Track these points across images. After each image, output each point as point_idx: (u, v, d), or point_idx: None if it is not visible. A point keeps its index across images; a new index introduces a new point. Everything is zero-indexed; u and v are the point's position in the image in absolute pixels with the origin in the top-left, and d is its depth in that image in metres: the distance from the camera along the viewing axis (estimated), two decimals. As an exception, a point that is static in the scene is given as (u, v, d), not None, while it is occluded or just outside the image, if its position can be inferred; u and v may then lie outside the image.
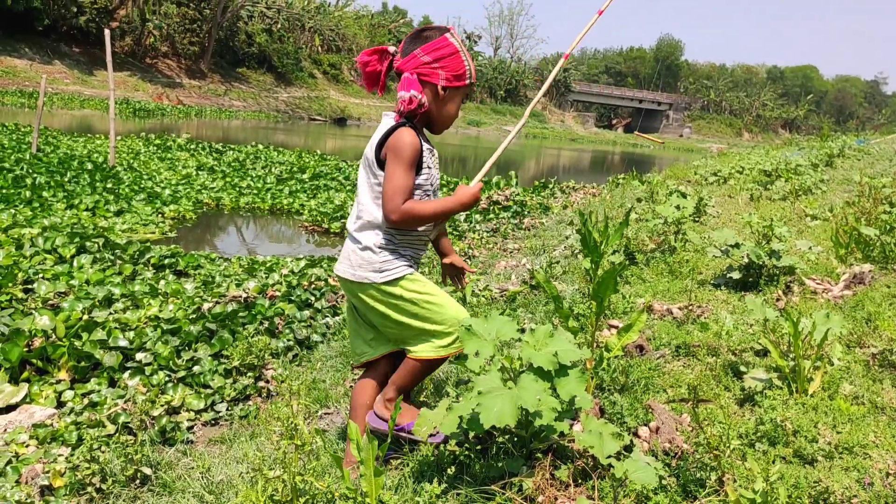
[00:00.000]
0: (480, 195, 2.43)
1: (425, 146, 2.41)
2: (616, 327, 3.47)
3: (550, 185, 15.39)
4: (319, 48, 60.78)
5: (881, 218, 4.50)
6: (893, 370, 2.65)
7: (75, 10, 42.06)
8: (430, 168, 2.43)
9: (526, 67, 79.06)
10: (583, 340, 3.21)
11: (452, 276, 2.76)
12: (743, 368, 2.78)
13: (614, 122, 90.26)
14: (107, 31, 12.36)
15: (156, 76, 46.07)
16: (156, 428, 3.35)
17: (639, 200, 9.47)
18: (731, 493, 1.39)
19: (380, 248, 2.39)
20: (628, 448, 2.10)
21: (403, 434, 2.44)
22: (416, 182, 2.37)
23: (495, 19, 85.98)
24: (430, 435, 2.27)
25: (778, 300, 3.80)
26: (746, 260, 4.26)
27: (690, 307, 3.79)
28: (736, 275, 4.31)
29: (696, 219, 7.02)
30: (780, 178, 9.64)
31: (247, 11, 53.81)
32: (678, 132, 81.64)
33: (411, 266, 2.44)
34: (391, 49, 2.44)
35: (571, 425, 2.30)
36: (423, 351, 2.39)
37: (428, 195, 2.44)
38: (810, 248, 4.41)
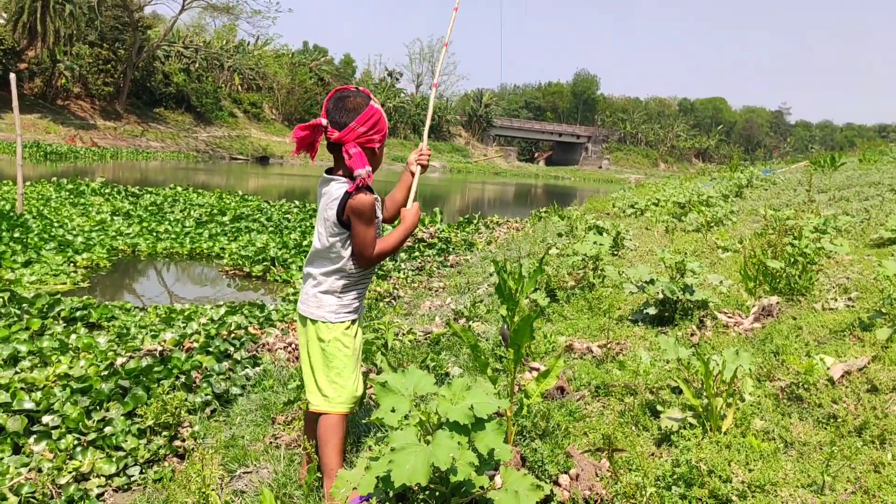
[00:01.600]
0: (420, 212, 2.89)
1: (377, 197, 2.75)
2: (537, 370, 3.48)
3: (475, 221, 15.54)
4: (239, 87, 60.17)
5: (786, 250, 4.69)
6: (801, 403, 2.74)
7: (-20, 51, 40.56)
8: (378, 217, 2.78)
9: (448, 103, 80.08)
10: (505, 384, 3.22)
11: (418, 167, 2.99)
12: (660, 408, 2.83)
13: (536, 155, 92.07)
14: (12, 76, 11.93)
15: (68, 118, 44.65)
16: (62, 498, 3.17)
17: (559, 235, 9.64)
18: None
19: (340, 292, 2.73)
20: (548, 499, 2.09)
21: None
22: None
23: (416, 56, 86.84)
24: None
25: (692, 335, 3.90)
26: (661, 295, 4.37)
27: (609, 345, 3.85)
28: (652, 310, 4.40)
29: (615, 252, 7.18)
30: (692, 210, 9.97)
31: (163, 51, 52.93)
32: (597, 164, 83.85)
33: (356, 314, 2.80)
34: (324, 122, 2.68)
35: (492, 476, 2.28)
36: (319, 404, 2.71)
37: (380, 233, 2.82)
38: (721, 281, 4.56)
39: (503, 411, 2.38)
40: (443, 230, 13.20)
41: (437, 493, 2.19)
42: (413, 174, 2.97)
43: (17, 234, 10.10)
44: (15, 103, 12.04)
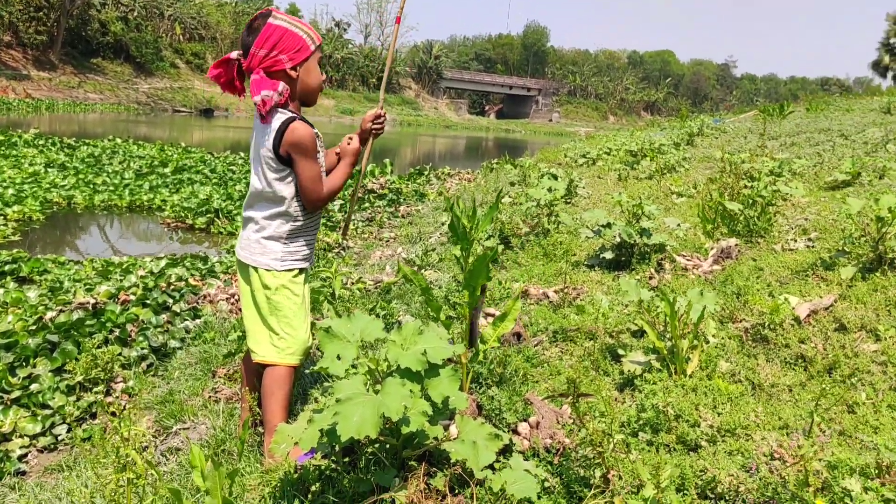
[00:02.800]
0: (383, 118, 2.68)
1: (316, 130, 2.49)
2: (492, 315, 3.33)
3: (426, 173, 15.28)
4: (181, 37, 58.06)
5: (743, 193, 4.60)
6: (766, 344, 2.64)
7: None
8: (320, 148, 2.52)
9: (398, 55, 78.69)
10: (459, 331, 3.06)
11: (372, 133, 2.73)
12: (621, 351, 2.70)
13: (487, 108, 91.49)
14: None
15: (0, 69, 42.58)
16: (-20, 461, 2.92)
17: (512, 184, 9.48)
18: (617, 502, 1.25)
19: (286, 238, 2.51)
20: (507, 449, 1.95)
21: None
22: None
23: (364, 6, 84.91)
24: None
25: (651, 278, 3.78)
26: (618, 239, 4.25)
27: (566, 290, 3.71)
28: (609, 255, 4.28)
29: (568, 200, 7.05)
30: (645, 158, 9.90)
31: (99, -1, 50.64)
32: (547, 117, 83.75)
33: (306, 262, 2.59)
34: (234, 55, 2.48)
35: (447, 426, 2.12)
36: (266, 355, 2.50)
37: (324, 173, 2.54)
38: (679, 224, 4.45)
39: (458, 357, 2.21)
40: (393, 181, 12.93)
41: (388, 446, 2.02)
42: (364, 140, 2.71)
43: (-60, 187, 9.53)
44: (-66, 47, 11.28)
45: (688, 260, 3.96)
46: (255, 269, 2.51)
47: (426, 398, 1.90)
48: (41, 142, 15.78)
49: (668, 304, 2.37)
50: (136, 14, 52.92)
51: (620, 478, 1.79)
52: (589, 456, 1.88)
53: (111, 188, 11.12)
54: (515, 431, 2.14)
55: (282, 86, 2.40)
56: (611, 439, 1.79)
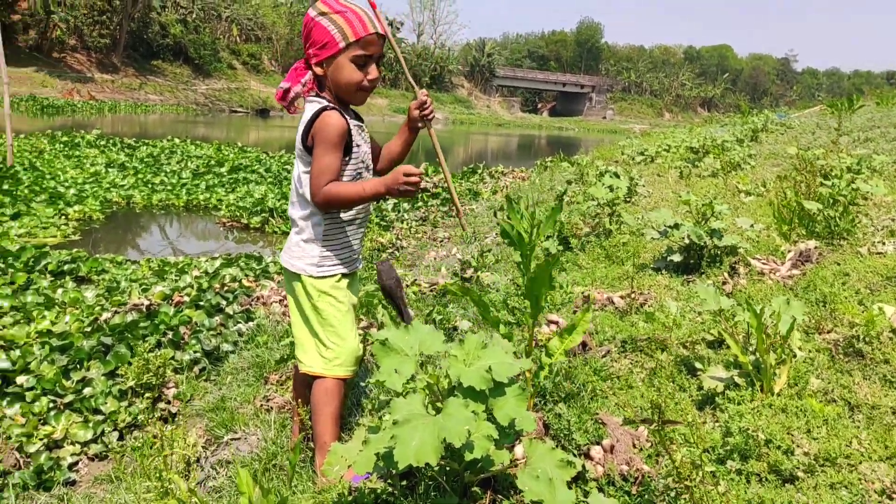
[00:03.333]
0: (418, 181, 2.21)
1: (353, 123, 2.30)
2: (555, 322, 3.15)
3: (479, 171, 15.12)
4: (238, 38, 59.03)
5: (819, 191, 4.32)
6: (861, 359, 2.40)
7: (-29, 2, 39.65)
8: (359, 146, 2.33)
9: (450, 53, 78.65)
10: (519, 338, 2.89)
11: (422, 122, 2.49)
12: (698, 365, 2.49)
13: (539, 106, 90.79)
14: (-3, 21, 11.41)
15: (65, 71, 43.83)
16: (31, 468, 2.87)
17: (569, 182, 9.24)
18: None
19: (324, 241, 2.33)
20: (580, 476, 1.77)
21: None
22: (349, 160, 2.29)
23: (416, 5, 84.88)
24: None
25: (724, 283, 3.55)
26: (687, 241, 4.01)
27: (632, 295, 3.50)
28: (677, 257, 4.05)
29: (628, 199, 6.80)
30: (707, 155, 9.55)
31: (159, 2, 51.73)
32: (601, 114, 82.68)
33: (348, 267, 2.41)
34: None
35: (512, 447, 1.96)
36: (313, 365, 2.35)
37: (359, 173, 2.35)
38: (752, 225, 4.19)
39: (523, 373, 2.04)
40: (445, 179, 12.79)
41: (448, 470, 1.87)
42: (414, 130, 2.52)
43: (6, 187, 9.73)
44: None
45: (763, 263, 3.71)
46: (297, 274, 2.36)
47: (490, 419, 1.74)
48: (102, 142, 16.11)
49: (754, 314, 2.15)
50: (194, 16, 54.03)
51: (710, 513, 1.60)
52: (672, 486, 1.70)
53: (169, 188, 11.25)
54: (587, 455, 1.96)
55: (307, 76, 2.30)
56: (700, 471, 1.61)
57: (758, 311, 2.15)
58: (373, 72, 2.28)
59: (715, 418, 2.16)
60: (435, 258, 6.34)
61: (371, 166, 2.44)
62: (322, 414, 2.32)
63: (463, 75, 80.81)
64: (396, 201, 10.76)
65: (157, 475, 1.57)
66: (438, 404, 1.76)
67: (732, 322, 2.65)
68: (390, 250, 7.42)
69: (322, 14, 2.21)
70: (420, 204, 10.82)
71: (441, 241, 7.77)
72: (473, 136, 45.41)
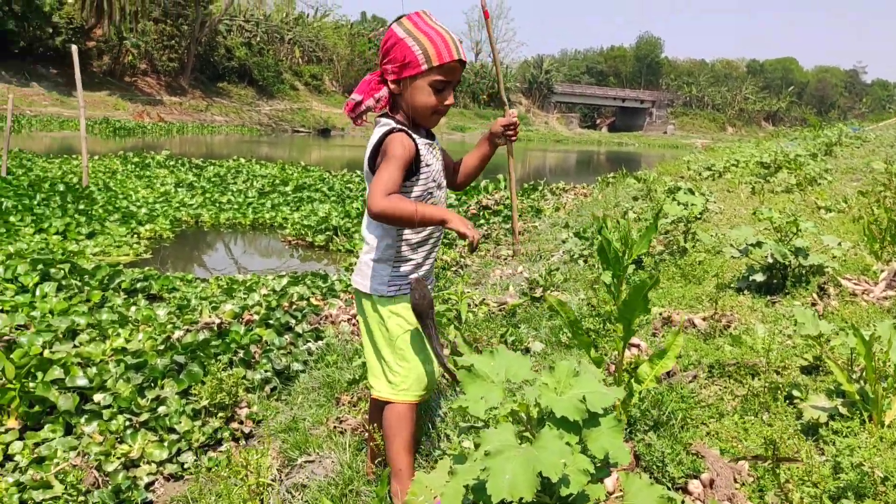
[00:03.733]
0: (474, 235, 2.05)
1: (422, 142, 2.24)
2: (636, 346, 3.03)
3: (540, 188, 14.99)
4: (300, 60, 60.28)
5: (912, 207, 4.10)
6: (978, 389, 2.22)
7: (51, 30, 41.39)
8: (429, 164, 2.26)
9: (508, 71, 78.77)
10: (603, 360, 2.78)
11: (504, 140, 2.51)
12: (796, 393, 2.35)
13: (598, 121, 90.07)
14: (74, 47, 11.87)
15: (136, 94, 45.43)
16: (109, 487, 2.88)
17: (635, 199, 9.06)
18: None
19: (395, 261, 2.28)
20: (680, 513, 1.67)
21: None
22: (417, 179, 2.23)
23: (475, 24, 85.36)
24: None
25: (814, 304, 3.38)
26: (770, 260, 3.84)
27: (715, 316, 3.36)
28: (759, 277, 3.88)
29: (699, 216, 6.60)
30: (780, 170, 9.25)
31: (225, 26, 53.27)
32: (662, 129, 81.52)
33: None
34: None
35: (602, 480, 1.86)
36: (382, 390, 2.30)
37: (430, 191, 2.27)
38: (839, 243, 3.99)
39: (620, 413, 1.94)
40: (508, 197, 12.71)
41: None
42: (493, 146, 2.50)
43: (82, 206, 10.06)
44: (77, 75, 12.00)
45: (855, 284, 3.53)
46: (368, 294, 2.31)
47: (583, 451, 1.65)
48: (171, 163, 16.55)
49: (862, 339, 2.01)
50: (258, 39, 55.38)
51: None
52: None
53: (235, 206, 11.46)
54: (685, 490, 1.85)
55: (381, 92, 2.25)
56: (816, 512, 1.49)
57: (867, 339, 2.00)
58: (449, 98, 2.22)
59: (820, 450, 2.02)
60: (501, 276, 6.25)
61: (443, 183, 2.37)
62: (395, 441, 2.25)
63: (521, 92, 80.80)
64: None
65: (244, 503, 1.52)
66: (527, 434, 1.68)
67: (830, 347, 2.50)
68: (454, 268, 7.37)
69: (407, 32, 2.15)
70: (482, 222, 10.76)
71: (505, 259, 7.67)
72: (531, 153, 45.23)
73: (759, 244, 3.92)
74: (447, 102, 2.23)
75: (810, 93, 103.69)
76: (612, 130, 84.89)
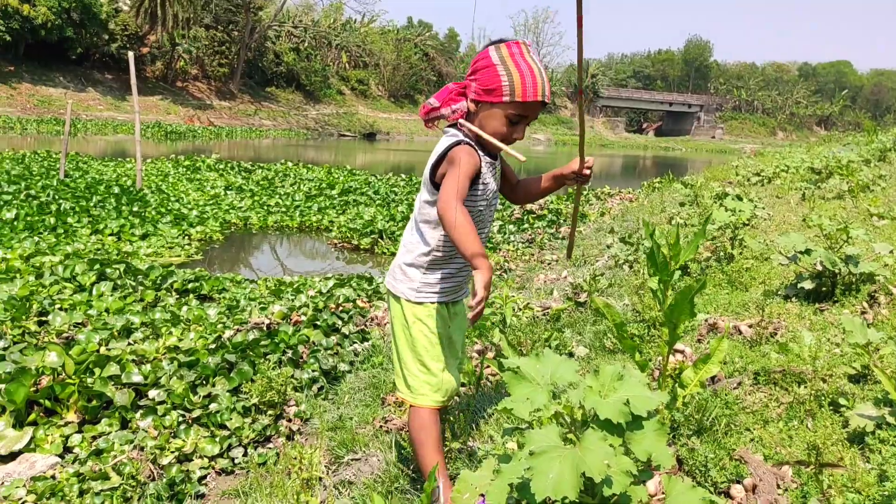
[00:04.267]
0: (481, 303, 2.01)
1: (485, 160, 2.30)
2: (680, 352, 3.03)
3: (585, 192, 14.93)
4: (347, 65, 60.96)
5: (967, 215, 4.01)
6: None
7: (107, 37, 42.65)
8: (486, 183, 2.32)
9: (553, 74, 78.46)
10: (647, 365, 2.79)
11: (576, 182, 2.50)
12: (842, 401, 2.33)
13: (644, 126, 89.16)
14: (130, 53, 12.22)
15: (187, 99, 46.50)
16: (164, 480, 2.99)
17: (682, 205, 8.98)
18: None
19: (427, 268, 2.33)
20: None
21: None
22: (473, 194, 2.28)
23: (521, 28, 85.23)
24: None
25: (863, 313, 3.34)
26: (820, 267, 3.80)
27: (761, 323, 3.34)
28: (808, 284, 3.84)
29: (747, 223, 6.53)
30: (832, 176, 9.08)
31: (274, 32, 54.18)
32: (710, 134, 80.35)
33: (448, 297, 2.37)
34: None
35: (644, 482, 1.88)
36: (402, 392, 2.38)
37: (479, 209, 2.32)
38: (891, 251, 3.93)
39: (664, 417, 1.96)
40: (552, 202, 12.70)
41: None
42: (560, 184, 2.54)
43: (136, 208, 10.35)
44: (133, 80, 12.36)
45: (907, 293, 3.47)
46: (397, 297, 2.37)
47: (627, 453, 1.67)
48: (221, 166, 16.90)
49: (910, 349, 2.00)
50: (306, 44, 56.18)
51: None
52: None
53: (283, 209, 11.66)
54: (727, 495, 1.86)
55: (459, 105, 2.29)
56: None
57: (915, 346, 1.99)
58: (520, 132, 2.28)
59: (866, 458, 2.02)
60: (545, 281, 6.27)
61: (494, 203, 2.41)
62: (422, 445, 2.30)
63: (566, 96, 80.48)
64: (502, 222, 10.75)
65: (295, 497, 1.59)
66: (571, 436, 1.71)
67: (879, 356, 2.48)
68: (499, 272, 7.40)
69: (501, 60, 2.19)
70: (526, 226, 10.78)
71: (549, 264, 7.68)
72: (576, 159, 44.91)
73: (808, 251, 3.88)
74: (516, 136, 2.27)
75: (865, 97, 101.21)
76: (659, 135, 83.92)
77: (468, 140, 2.25)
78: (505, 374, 1.81)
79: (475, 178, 2.25)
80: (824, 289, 3.84)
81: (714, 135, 79.91)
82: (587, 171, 2.45)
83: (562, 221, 11.23)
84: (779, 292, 4.02)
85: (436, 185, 2.26)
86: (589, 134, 71.59)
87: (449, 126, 2.34)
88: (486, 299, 1.98)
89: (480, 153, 2.26)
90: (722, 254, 4.98)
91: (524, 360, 1.81)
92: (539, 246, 9.27)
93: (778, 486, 1.84)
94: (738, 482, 1.89)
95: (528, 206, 11.99)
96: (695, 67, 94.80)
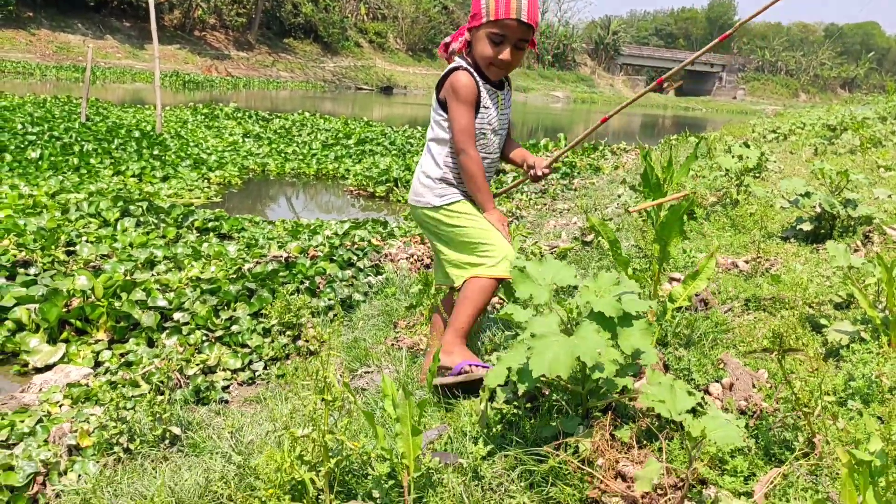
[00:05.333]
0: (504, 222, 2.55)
1: (484, 86, 2.50)
2: (677, 280, 3.20)
3: (600, 147, 14.97)
4: (365, 17, 60.32)
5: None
6: None
7: (124, -16, 42.44)
8: (487, 108, 2.52)
9: (574, 31, 77.36)
10: (642, 279, 2.95)
11: (534, 178, 2.70)
12: (823, 321, 2.50)
13: (665, 85, 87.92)
14: (151, 1, 12.28)
15: (205, 49, 46.33)
16: (190, 387, 3.22)
17: (696, 157, 9.05)
18: (842, 455, 1.14)
19: (439, 178, 2.56)
20: (699, 407, 1.86)
21: (449, 380, 2.30)
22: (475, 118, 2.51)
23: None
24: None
25: (857, 250, 3.48)
26: (818, 210, 3.93)
27: (758, 259, 3.49)
28: (806, 226, 3.98)
29: (757, 175, 6.62)
30: (846, 132, 9.11)
31: (292, -19, 53.58)
32: (731, 94, 79.28)
33: (465, 195, 2.57)
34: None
35: (635, 377, 2.06)
36: (475, 272, 2.45)
37: (483, 133, 2.54)
38: (889, 196, 4.05)
39: (650, 320, 2.13)
40: (568, 155, 12.76)
41: (571, 395, 1.99)
42: (521, 167, 2.76)
43: (156, 152, 10.53)
44: (153, 27, 12.44)
45: (900, 233, 3.60)
46: (428, 208, 2.57)
47: (615, 347, 1.85)
48: (239, 115, 17.01)
49: (885, 268, 2.15)
50: (324, -5, 55.58)
51: (828, 443, 1.66)
52: (790, 421, 1.76)
53: (300, 157, 11.80)
54: (707, 392, 2.04)
55: (465, 36, 2.54)
56: (819, 401, 1.66)
57: (889, 265, 2.14)
58: (504, 53, 2.44)
59: (839, 368, 2.19)
60: (555, 226, 6.42)
61: (500, 130, 2.63)
62: (466, 304, 2.41)
63: (586, 53, 79.42)
64: (516, 174, 10.87)
65: (315, 373, 1.78)
66: (568, 330, 1.89)
67: (864, 285, 2.63)
68: (511, 220, 7.55)
69: None
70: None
71: (560, 212, 7.82)
72: (594, 116, 44.65)
73: (808, 195, 4.01)
74: (501, 56, 2.44)
75: (892, 59, 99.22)
76: (680, 94, 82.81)
77: (466, 66, 2.48)
78: (511, 271, 1.97)
79: (477, 104, 2.49)
80: (822, 231, 3.97)
81: (735, 95, 78.85)
82: (541, 174, 2.64)
83: (576, 174, 11.31)
84: (779, 234, 4.16)
85: (441, 103, 2.53)
86: (608, 92, 70.86)
87: (458, 56, 2.57)
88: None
89: (478, 79, 2.48)
90: (728, 200, 5.10)
91: (529, 262, 1.98)
92: (552, 196, 9.39)
93: (753, 385, 2.01)
94: (718, 382, 2.06)
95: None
96: (718, 26, 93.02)
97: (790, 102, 69.93)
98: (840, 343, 2.29)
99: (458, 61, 2.53)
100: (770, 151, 7.94)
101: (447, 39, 2.61)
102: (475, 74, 2.48)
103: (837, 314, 2.64)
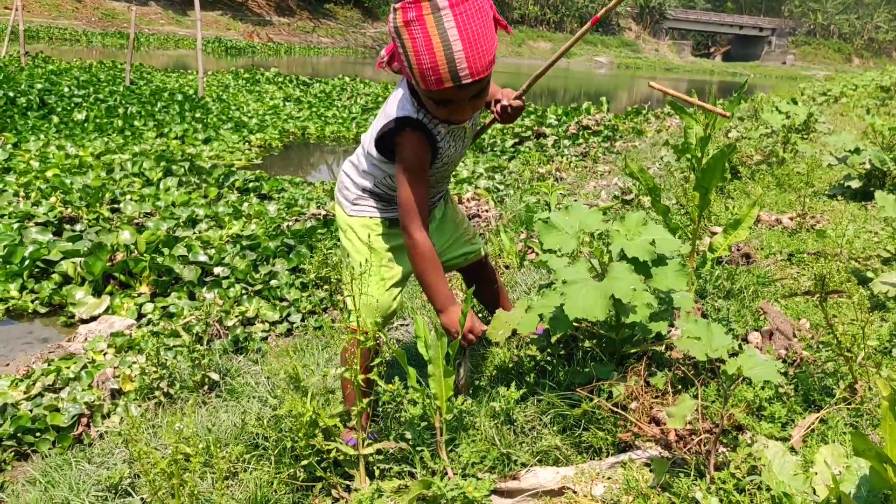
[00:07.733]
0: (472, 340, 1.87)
1: (442, 131, 1.88)
2: (715, 233, 3.13)
3: (644, 112, 14.70)
4: (406, -19, 59.73)
5: None
6: None
7: (167, -50, 42.65)
8: (443, 150, 1.93)
9: (618, -5, 75.56)
10: (679, 230, 2.90)
11: (503, 115, 2.02)
12: (870, 275, 2.42)
13: (712, 50, 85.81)
14: (192, -38, 12.31)
15: (246, 15, 46.47)
16: (229, 338, 3.26)
17: (741, 119, 8.84)
18: (883, 387, 1.08)
19: (364, 189, 2.03)
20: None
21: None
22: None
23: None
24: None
25: (907, 207, 3.36)
26: (868, 166, 3.81)
27: (803, 216, 3.40)
28: (855, 183, 3.86)
29: (805, 136, 6.43)
30: (901, 93, 8.80)
31: (333, -55, 53.26)
32: (781, 59, 76.94)
33: (383, 213, 2.04)
34: None
35: (669, 330, 2.03)
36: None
37: (437, 170, 1.97)
38: (945, 152, 3.90)
39: (684, 260, 2.09)
40: (609, 119, 12.55)
41: (605, 343, 1.97)
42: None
43: (198, 115, 10.64)
44: (194, -11, 12.48)
45: (955, 190, 3.47)
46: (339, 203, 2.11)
47: (649, 291, 1.81)
48: (280, 79, 17.06)
49: (936, 218, 2.07)
50: (365, -40, 55.16)
51: (870, 389, 1.61)
52: (830, 368, 1.71)
53: (340, 121, 11.81)
54: (745, 340, 2.00)
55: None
56: (862, 347, 1.61)
57: (940, 213, 2.06)
58: (458, 113, 1.80)
59: (884, 320, 2.12)
60: (595, 187, 6.33)
61: (456, 160, 2.04)
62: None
63: (631, 17, 77.68)
64: (557, 137, 10.74)
65: (349, 315, 1.78)
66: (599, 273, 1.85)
67: (911, 236, 2.55)
68: (549, 180, 7.47)
69: (400, 39, 1.69)
70: (580, 141, 10.73)
71: (601, 174, 7.71)
72: (639, 81, 43.80)
73: (857, 150, 3.88)
74: (455, 117, 1.81)
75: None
76: (727, 60, 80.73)
77: (418, 117, 1.85)
78: (537, 224, 1.94)
79: (434, 155, 1.92)
80: (871, 188, 3.85)
81: (785, 60, 76.51)
82: (507, 104, 1.98)
83: (618, 137, 11.14)
84: (825, 192, 4.04)
85: (378, 146, 1.94)
86: (653, 57, 69.37)
87: (401, 83, 1.93)
88: (465, 337, 1.84)
89: (433, 128, 1.87)
90: (773, 158, 4.97)
91: (554, 213, 1.95)
92: (593, 159, 9.26)
93: (794, 335, 1.96)
94: (757, 330, 2.02)
95: (585, 122, 11.89)
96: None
97: (843, 68, 67.67)
98: (887, 295, 2.22)
99: (402, 95, 1.89)
100: (819, 112, 7.72)
101: (383, 54, 1.86)
102: (429, 124, 1.86)
103: (885, 269, 2.56)
